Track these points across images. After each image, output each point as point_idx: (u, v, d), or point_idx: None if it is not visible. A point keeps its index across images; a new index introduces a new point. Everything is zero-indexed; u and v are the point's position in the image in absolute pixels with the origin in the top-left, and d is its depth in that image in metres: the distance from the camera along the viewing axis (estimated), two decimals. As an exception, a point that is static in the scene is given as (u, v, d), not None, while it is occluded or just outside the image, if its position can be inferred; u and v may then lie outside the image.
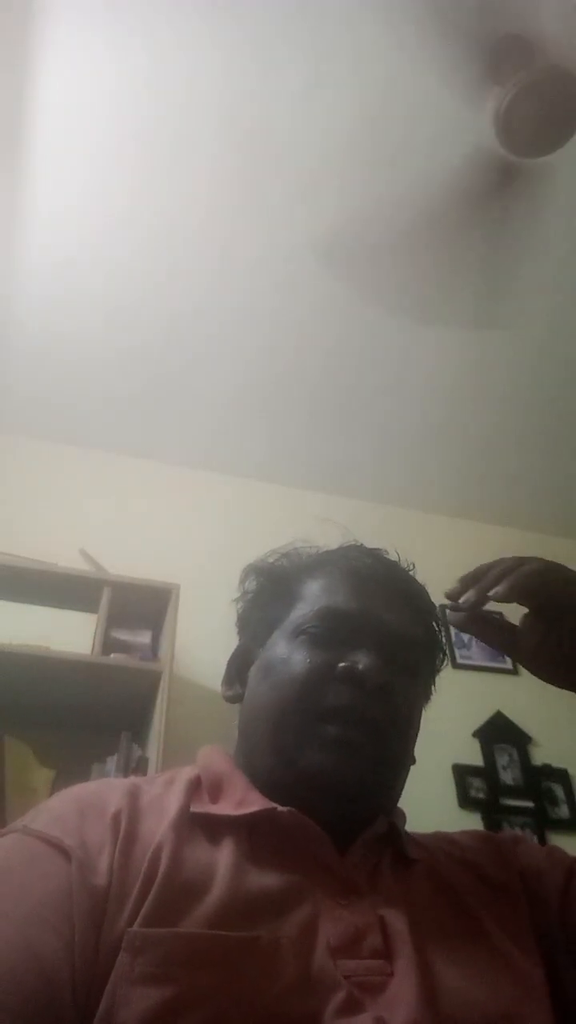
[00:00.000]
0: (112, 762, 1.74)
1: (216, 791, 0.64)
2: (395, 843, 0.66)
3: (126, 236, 2.08)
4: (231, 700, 0.75)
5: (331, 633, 0.68)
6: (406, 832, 0.68)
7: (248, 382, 2.50)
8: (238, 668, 0.77)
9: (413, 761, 0.72)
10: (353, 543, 0.80)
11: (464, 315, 2.30)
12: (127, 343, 2.35)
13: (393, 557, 0.79)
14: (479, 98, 1.70)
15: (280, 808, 0.60)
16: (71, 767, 1.77)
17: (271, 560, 0.80)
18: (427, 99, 1.76)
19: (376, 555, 0.77)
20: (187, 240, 2.09)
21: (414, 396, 2.56)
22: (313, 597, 0.72)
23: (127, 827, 0.57)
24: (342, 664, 0.65)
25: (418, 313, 2.29)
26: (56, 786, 1.75)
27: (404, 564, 0.78)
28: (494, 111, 1.61)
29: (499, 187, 1.90)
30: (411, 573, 0.78)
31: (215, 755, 0.70)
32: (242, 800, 0.62)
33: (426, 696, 0.76)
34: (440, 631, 0.76)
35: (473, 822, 2.15)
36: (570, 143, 1.65)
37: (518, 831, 2.19)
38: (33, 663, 1.75)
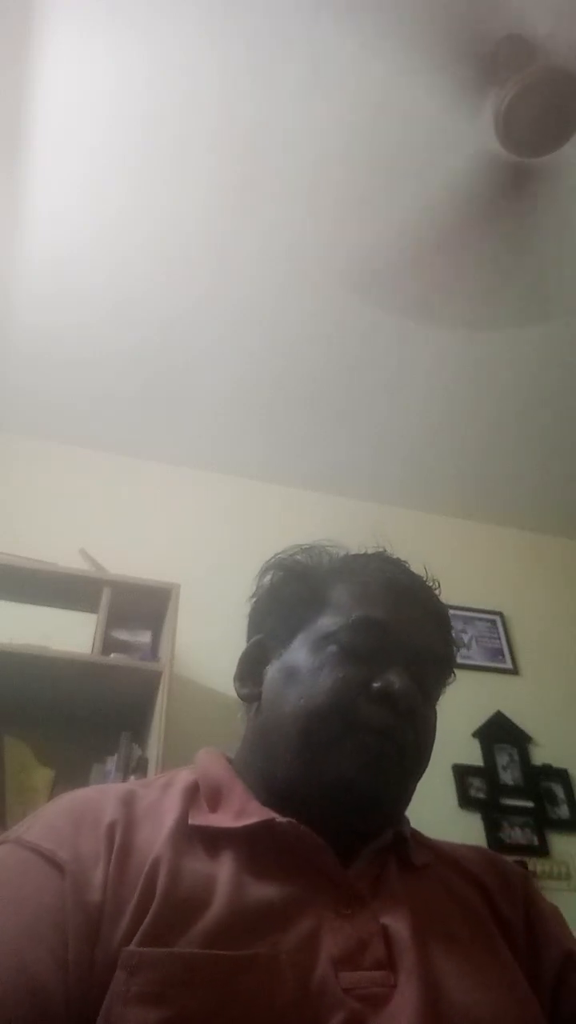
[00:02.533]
0: (112, 762, 1.74)
1: (215, 800, 0.63)
2: (400, 850, 0.65)
3: (125, 236, 2.08)
4: (246, 699, 0.72)
5: (364, 647, 0.66)
6: (412, 835, 0.68)
7: (248, 382, 2.50)
8: (252, 665, 0.73)
9: None
10: (381, 550, 0.77)
11: (464, 316, 2.30)
12: (127, 342, 2.35)
13: (418, 570, 0.76)
14: (478, 97, 1.70)
15: (279, 819, 0.59)
16: (71, 767, 1.77)
17: (296, 555, 0.76)
18: (426, 99, 1.76)
19: (406, 568, 0.75)
20: (186, 240, 2.09)
21: (413, 396, 2.56)
22: (345, 605, 0.69)
23: (122, 839, 0.56)
24: (377, 684, 0.64)
25: (417, 313, 2.29)
26: (56, 786, 1.75)
27: (429, 581, 0.76)
28: (494, 111, 1.61)
29: (498, 186, 1.90)
30: (436, 592, 0.75)
31: (213, 761, 0.69)
32: (241, 810, 0.61)
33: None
34: (456, 649, 0.75)
35: (473, 822, 2.15)
36: (570, 143, 1.65)
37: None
38: (33, 663, 1.75)
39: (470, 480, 2.89)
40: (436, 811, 2.02)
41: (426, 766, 0.69)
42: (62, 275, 2.17)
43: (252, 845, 0.59)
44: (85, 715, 1.86)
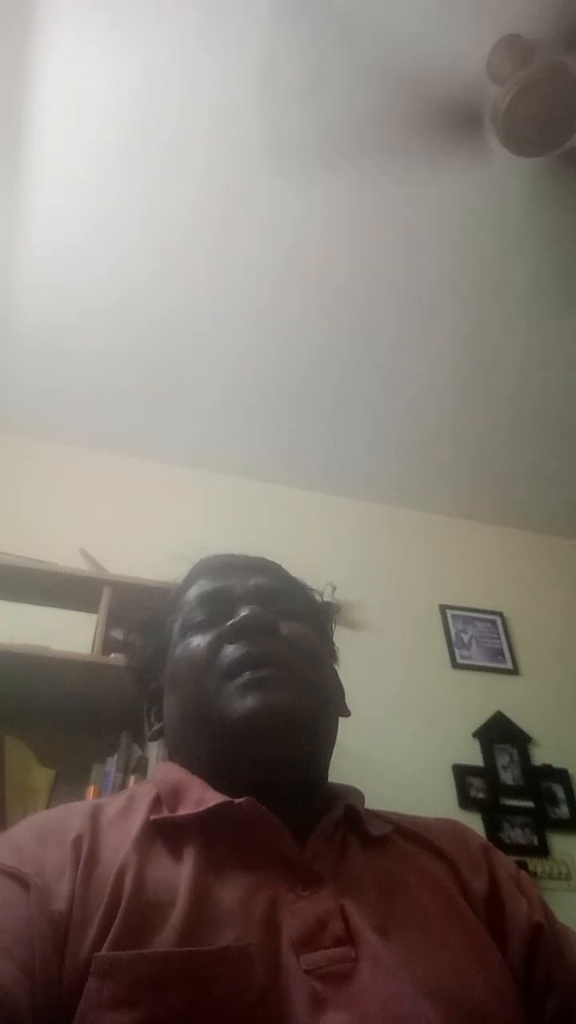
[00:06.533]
0: (112, 762, 1.74)
1: (175, 800, 0.64)
2: (356, 825, 0.66)
3: (122, 234, 2.08)
4: (159, 733, 0.76)
5: (209, 613, 0.72)
6: (366, 811, 0.68)
7: (249, 380, 2.50)
8: (156, 711, 0.78)
9: (347, 713, 0.74)
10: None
11: (463, 315, 2.30)
12: (125, 340, 2.35)
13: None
14: (479, 101, 1.70)
15: (237, 800, 0.60)
16: (71, 767, 1.77)
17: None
18: (425, 101, 1.76)
19: (227, 552, 0.84)
20: (183, 239, 2.09)
21: (411, 395, 2.56)
22: (185, 602, 0.76)
23: (89, 850, 0.57)
24: (228, 623, 0.69)
25: (417, 313, 2.29)
26: (56, 786, 1.75)
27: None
28: (494, 111, 1.62)
29: (500, 188, 1.90)
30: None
31: (170, 769, 0.70)
32: (200, 800, 0.62)
33: (330, 653, 0.78)
34: (319, 595, 0.81)
35: (473, 822, 2.15)
36: (569, 143, 1.65)
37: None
38: (33, 663, 1.75)
39: (470, 480, 2.89)
40: (436, 811, 2.01)
41: (330, 678, 0.73)
42: (60, 273, 2.17)
43: (211, 835, 0.60)
44: (85, 715, 1.85)
